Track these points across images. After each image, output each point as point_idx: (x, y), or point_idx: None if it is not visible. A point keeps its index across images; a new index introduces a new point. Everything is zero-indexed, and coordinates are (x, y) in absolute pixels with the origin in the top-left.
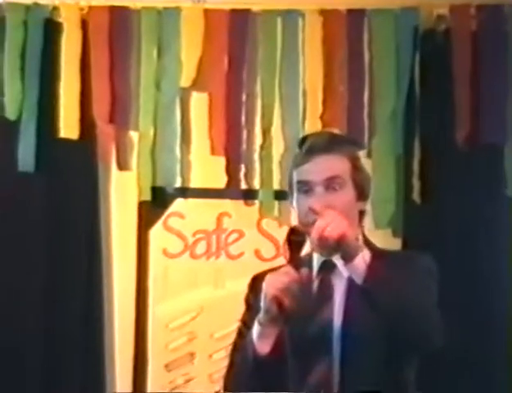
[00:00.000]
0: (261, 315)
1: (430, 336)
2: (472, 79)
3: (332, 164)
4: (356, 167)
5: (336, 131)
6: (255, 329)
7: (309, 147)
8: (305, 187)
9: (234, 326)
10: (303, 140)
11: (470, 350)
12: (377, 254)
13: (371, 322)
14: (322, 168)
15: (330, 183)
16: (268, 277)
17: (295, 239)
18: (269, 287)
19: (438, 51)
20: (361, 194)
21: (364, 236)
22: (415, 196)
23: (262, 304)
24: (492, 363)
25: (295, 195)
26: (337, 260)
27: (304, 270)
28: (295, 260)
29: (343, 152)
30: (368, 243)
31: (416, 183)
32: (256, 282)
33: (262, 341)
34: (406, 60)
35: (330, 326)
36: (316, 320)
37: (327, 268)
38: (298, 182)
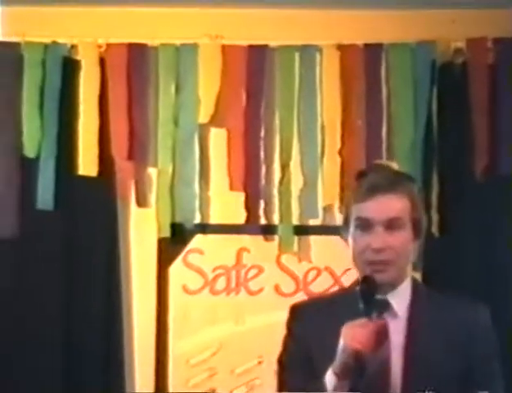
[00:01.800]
0: (337, 367)
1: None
2: (489, 110)
3: (394, 205)
4: (414, 206)
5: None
6: (330, 381)
7: (371, 185)
8: (364, 225)
9: (255, 361)
10: (362, 174)
11: None
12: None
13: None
14: (384, 208)
15: (391, 224)
16: (347, 329)
17: (367, 288)
18: (349, 340)
19: (456, 84)
20: (417, 232)
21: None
22: (434, 229)
23: (340, 356)
24: None
25: (352, 230)
26: (391, 299)
27: (377, 320)
28: (369, 310)
29: (404, 191)
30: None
31: (435, 216)
32: (295, 311)
33: (337, 391)
34: (424, 94)
35: (386, 366)
36: (374, 361)
37: (381, 306)
38: (358, 218)
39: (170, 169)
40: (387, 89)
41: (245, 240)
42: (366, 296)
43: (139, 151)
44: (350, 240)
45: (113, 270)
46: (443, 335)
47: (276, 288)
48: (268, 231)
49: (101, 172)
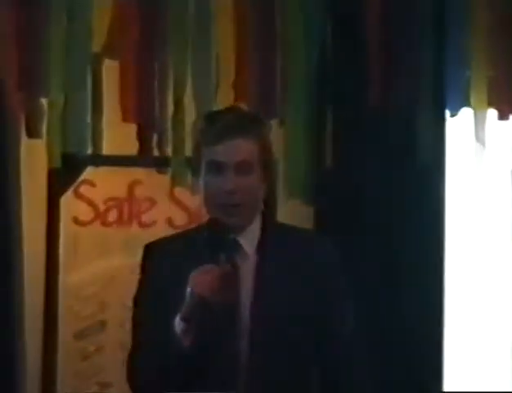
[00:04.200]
0: (184, 312)
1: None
2: (384, 45)
3: (244, 148)
4: (265, 149)
5: (245, 103)
6: (178, 324)
7: (221, 128)
8: (215, 168)
9: None
10: (211, 116)
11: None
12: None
13: (280, 303)
14: (235, 151)
15: (241, 166)
16: (194, 276)
17: (215, 231)
18: (195, 287)
19: (350, 13)
20: (267, 175)
21: (263, 215)
22: (328, 160)
23: (187, 301)
24: None
25: (203, 174)
26: (242, 239)
27: (225, 265)
28: (217, 253)
29: (254, 134)
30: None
31: (329, 147)
32: (148, 250)
33: (185, 335)
34: (318, 24)
35: (234, 308)
36: (224, 305)
37: (231, 247)
38: (209, 162)
39: (62, 100)
40: (281, 18)
41: (138, 172)
42: (214, 240)
43: (29, 81)
44: (201, 183)
45: (3, 201)
46: (293, 271)
47: (169, 221)
48: (161, 164)
49: None
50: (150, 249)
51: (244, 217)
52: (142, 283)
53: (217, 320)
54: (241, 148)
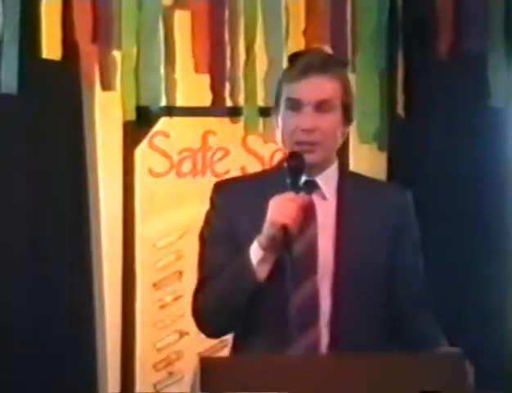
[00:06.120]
0: (264, 240)
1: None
2: None
3: (325, 87)
4: (346, 90)
5: (327, 50)
6: (256, 253)
7: (304, 66)
8: (295, 105)
9: None
10: (295, 56)
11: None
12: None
13: (362, 251)
14: (316, 89)
15: (321, 105)
16: (275, 203)
17: (295, 164)
18: (277, 214)
19: None
20: (347, 117)
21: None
22: (400, 110)
23: (267, 229)
24: None
25: (282, 110)
26: (319, 181)
27: (304, 195)
28: (296, 185)
29: (337, 74)
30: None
31: (401, 97)
32: (219, 186)
33: (262, 266)
34: None
35: (314, 245)
36: (301, 240)
37: (309, 187)
38: (289, 98)
39: (135, 52)
40: None
41: (211, 122)
42: (294, 172)
43: (103, 34)
44: (279, 120)
45: (78, 153)
46: (371, 218)
47: (243, 170)
48: (234, 113)
49: (65, 55)
50: (219, 185)
51: (320, 156)
52: (209, 217)
53: (296, 255)
54: (323, 86)
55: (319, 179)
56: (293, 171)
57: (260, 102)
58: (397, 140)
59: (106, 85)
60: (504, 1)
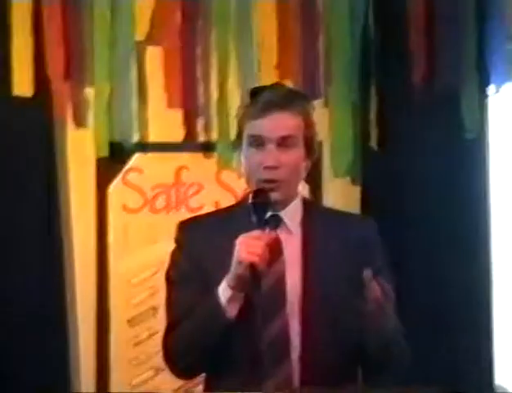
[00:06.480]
0: (232, 280)
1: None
2: (427, 22)
3: (287, 123)
4: (308, 124)
5: (289, 84)
6: (224, 293)
7: (265, 103)
8: (257, 142)
9: None
10: (255, 92)
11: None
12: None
13: (330, 282)
14: (277, 125)
15: (284, 141)
16: (241, 242)
17: (260, 201)
18: (244, 253)
19: None
20: (310, 151)
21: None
22: (373, 143)
23: (234, 268)
24: None
25: (244, 148)
26: (284, 216)
27: (270, 232)
28: (262, 221)
29: (298, 109)
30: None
31: (374, 131)
32: (183, 226)
33: (231, 304)
34: (360, 7)
35: (282, 281)
36: (269, 276)
37: (275, 222)
38: (251, 135)
39: (107, 88)
40: (323, 3)
41: (184, 158)
42: (259, 209)
43: (75, 70)
44: (242, 158)
45: (51, 192)
46: (336, 249)
47: (217, 205)
48: (207, 148)
49: (36, 92)
50: (184, 224)
51: (285, 192)
52: (175, 258)
53: (265, 291)
54: (285, 122)
55: (283, 214)
56: (258, 208)
57: (233, 137)
58: (371, 173)
59: (79, 122)
60: (476, 36)
